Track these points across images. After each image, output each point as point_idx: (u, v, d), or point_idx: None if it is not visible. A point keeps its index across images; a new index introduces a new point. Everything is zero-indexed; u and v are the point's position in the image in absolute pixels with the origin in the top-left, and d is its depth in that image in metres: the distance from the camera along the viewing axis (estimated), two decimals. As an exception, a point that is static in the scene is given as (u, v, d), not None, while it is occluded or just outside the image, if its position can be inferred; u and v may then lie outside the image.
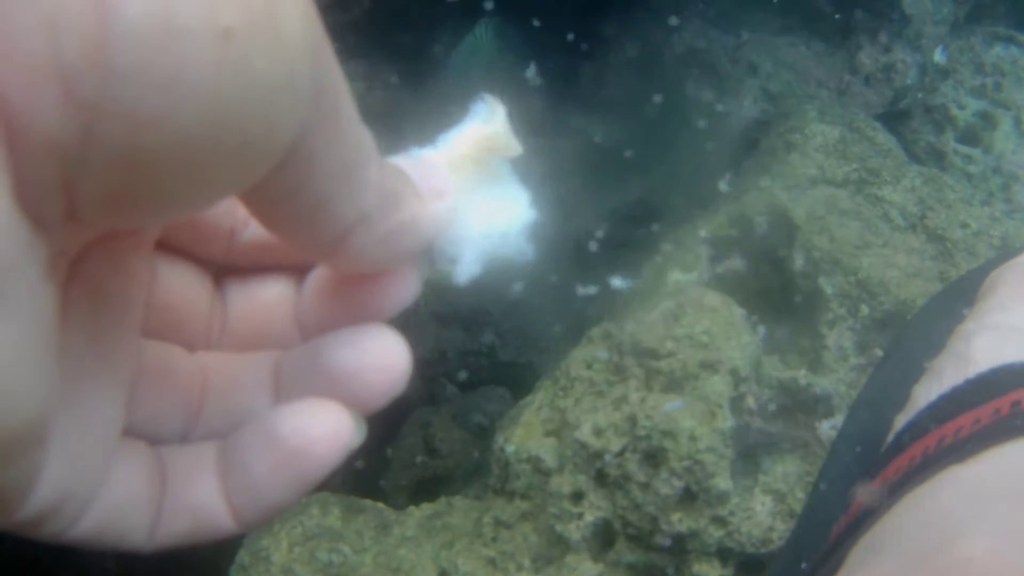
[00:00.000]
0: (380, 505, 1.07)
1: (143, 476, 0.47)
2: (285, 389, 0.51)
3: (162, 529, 0.47)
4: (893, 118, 1.58)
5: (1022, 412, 0.64)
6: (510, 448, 0.97)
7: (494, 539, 0.95)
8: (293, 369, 0.51)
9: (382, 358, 0.49)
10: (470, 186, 0.53)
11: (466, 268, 0.55)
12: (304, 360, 0.51)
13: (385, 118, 1.42)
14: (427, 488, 1.36)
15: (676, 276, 1.15)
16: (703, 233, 1.19)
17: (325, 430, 0.47)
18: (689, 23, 1.59)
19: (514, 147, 0.55)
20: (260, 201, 0.41)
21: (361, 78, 1.42)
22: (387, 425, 1.45)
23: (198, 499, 0.48)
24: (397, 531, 1.01)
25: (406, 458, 1.41)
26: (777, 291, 1.17)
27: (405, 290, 0.50)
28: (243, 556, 1.01)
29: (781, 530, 0.90)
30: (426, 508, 1.05)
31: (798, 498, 0.91)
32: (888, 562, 0.57)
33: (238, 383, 0.52)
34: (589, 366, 0.98)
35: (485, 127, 0.53)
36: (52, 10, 0.30)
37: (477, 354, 1.61)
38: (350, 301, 0.51)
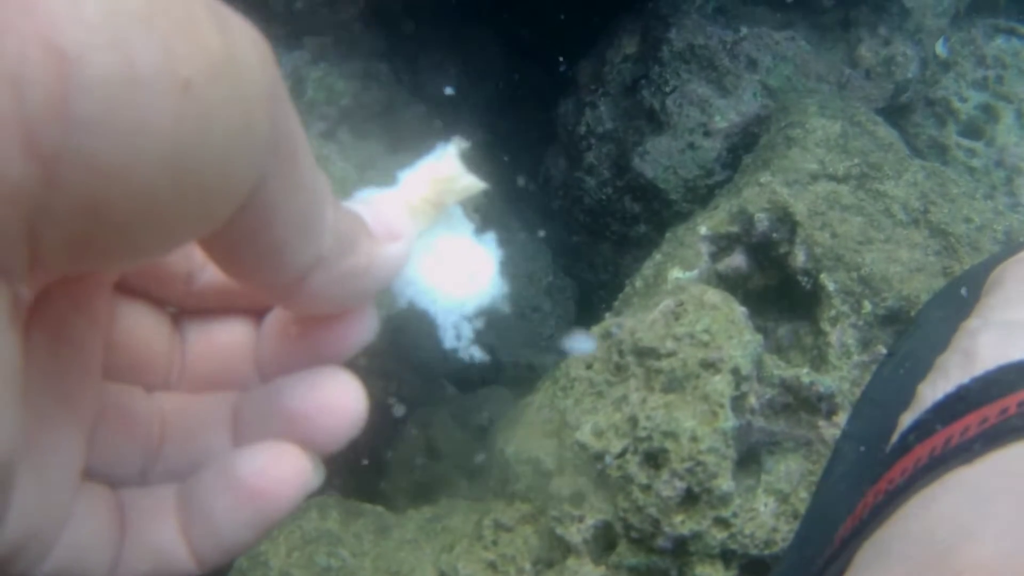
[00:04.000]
0: (379, 508, 1.06)
1: (104, 518, 0.47)
2: (244, 431, 0.51)
3: (122, 570, 0.47)
4: (894, 112, 1.57)
5: (1030, 411, 0.63)
6: (510, 449, 0.96)
7: (494, 542, 0.94)
8: (251, 411, 0.51)
9: (337, 401, 0.49)
10: (428, 228, 0.53)
11: (470, 348, 0.55)
12: (262, 402, 0.51)
13: (381, 117, 1.41)
14: (427, 489, 1.35)
15: (676, 274, 1.14)
16: (703, 230, 1.18)
17: (283, 473, 0.47)
18: (687, 18, 1.57)
19: (474, 184, 0.54)
20: (218, 245, 0.41)
21: (356, 77, 1.41)
22: (387, 427, 1.45)
23: (158, 541, 0.48)
24: (396, 534, 1.01)
25: (406, 460, 1.40)
26: (779, 288, 1.16)
27: (362, 332, 0.51)
28: (241, 561, 1.00)
29: (785, 531, 0.88)
30: (426, 511, 1.05)
31: (801, 498, 0.90)
32: (895, 566, 0.56)
33: (197, 425, 0.52)
34: (589, 366, 0.97)
35: (438, 168, 0.54)
36: (15, 63, 0.30)
37: (477, 354, 1.59)
38: (307, 343, 0.51)
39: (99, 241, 0.34)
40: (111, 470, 0.49)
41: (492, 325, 1.50)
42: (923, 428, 0.68)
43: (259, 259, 0.42)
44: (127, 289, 0.52)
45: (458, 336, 0.55)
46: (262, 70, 0.37)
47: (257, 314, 0.54)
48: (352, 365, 0.51)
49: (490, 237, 0.56)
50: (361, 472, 1.41)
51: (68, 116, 0.31)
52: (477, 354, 0.55)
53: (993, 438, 0.62)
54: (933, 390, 0.72)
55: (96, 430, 0.48)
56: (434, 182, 0.53)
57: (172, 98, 0.33)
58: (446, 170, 0.54)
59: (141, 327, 0.52)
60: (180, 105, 0.33)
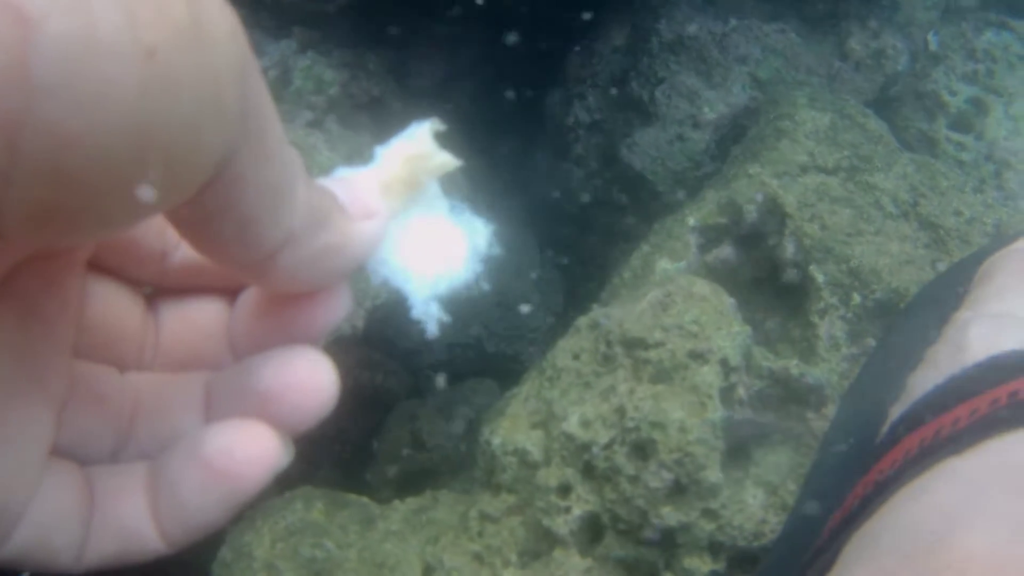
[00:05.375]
0: (364, 499, 1.06)
1: (72, 496, 0.47)
2: (215, 409, 0.51)
3: (91, 549, 0.47)
4: (884, 105, 1.56)
5: (1021, 402, 0.63)
6: (496, 440, 0.95)
7: (480, 533, 0.93)
8: (223, 389, 0.51)
9: (307, 380, 0.49)
10: (402, 206, 0.53)
11: (430, 322, 0.55)
12: (234, 381, 0.50)
13: (370, 107, 1.41)
14: (413, 481, 1.35)
15: (664, 265, 1.14)
16: (692, 221, 1.17)
17: (251, 451, 0.47)
18: (677, 10, 1.57)
19: (448, 162, 0.54)
20: (188, 220, 0.41)
21: (344, 67, 1.40)
22: (373, 418, 1.44)
23: (126, 519, 0.48)
24: (382, 525, 1.00)
25: (392, 451, 1.40)
26: (767, 280, 1.16)
27: (335, 310, 0.50)
28: (225, 552, 0.99)
29: (774, 523, 0.88)
30: (411, 502, 1.04)
31: (790, 490, 0.90)
32: (885, 558, 0.56)
33: (169, 404, 0.52)
34: (576, 356, 0.96)
35: (410, 146, 0.53)
36: None
37: (463, 346, 1.59)
38: (280, 322, 0.51)
39: (63, 210, 0.34)
40: (81, 449, 0.49)
41: (478, 316, 1.50)
42: (913, 419, 0.68)
43: (229, 235, 0.41)
44: (101, 268, 0.52)
45: (426, 311, 0.55)
46: (231, 41, 0.37)
47: (231, 293, 0.54)
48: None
49: (465, 215, 0.56)
50: (347, 463, 1.40)
51: (28, 81, 0.30)
52: (435, 328, 0.55)
53: (984, 429, 0.62)
54: (923, 381, 0.72)
55: (67, 409, 0.48)
56: (408, 160, 0.53)
57: (135, 65, 0.32)
58: (420, 148, 0.53)
59: (114, 306, 0.52)
60: (144, 72, 0.32)
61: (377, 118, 1.38)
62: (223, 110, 0.36)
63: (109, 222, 0.37)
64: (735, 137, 1.45)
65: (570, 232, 1.68)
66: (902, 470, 0.62)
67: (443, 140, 0.55)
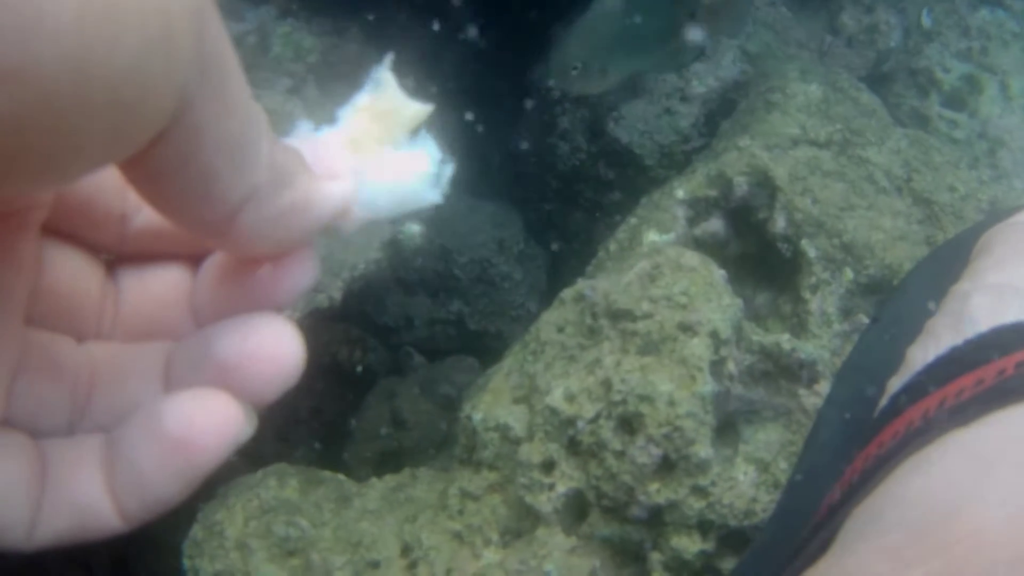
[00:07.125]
0: (340, 476, 1.03)
1: (24, 469, 0.45)
2: (176, 380, 0.49)
3: (43, 525, 0.45)
4: (876, 81, 1.55)
5: (1028, 373, 0.61)
6: (477, 416, 0.93)
7: (460, 512, 0.91)
8: (184, 359, 0.50)
9: (272, 348, 0.47)
10: (372, 163, 0.50)
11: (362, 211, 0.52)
12: (195, 349, 0.49)
13: (349, 76, 1.38)
14: (392, 460, 1.33)
15: (652, 237, 1.11)
16: (680, 194, 1.15)
17: (211, 421, 0.45)
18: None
19: (420, 112, 0.51)
20: (145, 175, 0.39)
21: (325, 34, 1.38)
22: (351, 395, 1.42)
23: (80, 494, 0.46)
24: (358, 504, 0.98)
25: (370, 430, 1.38)
26: (757, 255, 1.14)
27: (301, 276, 0.48)
28: (197, 531, 0.97)
29: (765, 502, 0.86)
30: (389, 480, 1.02)
31: (782, 468, 0.88)
32: (892, 533, 0.53)
33: (128, 374, 0.50)
34: (561, 329, 0.94)
35: (378, 100, 0.51)
36: None
37: (445, 322, 1.58)
38: (245, 288, 0.49)
39: (3, 157, 0.31)
40: (35, 421, 0.47)
41: (460, 293, 1.47)
42: (915, 390, 0.65)
43: (188, 190, 0.39)
44: (57, 233, 0.50)
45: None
46: None
47: (195, 260, 0.52)
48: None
49: (430, 141, 0.53)
50: (324, 442, 1.38)
51: None
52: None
53: (990, 400, 0.59)
54: (923, 353, 0.69)
55: (19, 379, 0.46)
56: (379, 117, 0.50)
57: None
58: (389, 103, 0.51)
59: (71, 273, 0.50)
60: (83, 2, 0.30)
61: (356, 86, 1.36)
62: (175, 52, 0.34)
63: (54, 171, 0.35)
64: (725, 111, 1.43)
65: (555, 208, 1.66)
66: (905, 442, 0.60)
67: (407, 86, 0.52)
